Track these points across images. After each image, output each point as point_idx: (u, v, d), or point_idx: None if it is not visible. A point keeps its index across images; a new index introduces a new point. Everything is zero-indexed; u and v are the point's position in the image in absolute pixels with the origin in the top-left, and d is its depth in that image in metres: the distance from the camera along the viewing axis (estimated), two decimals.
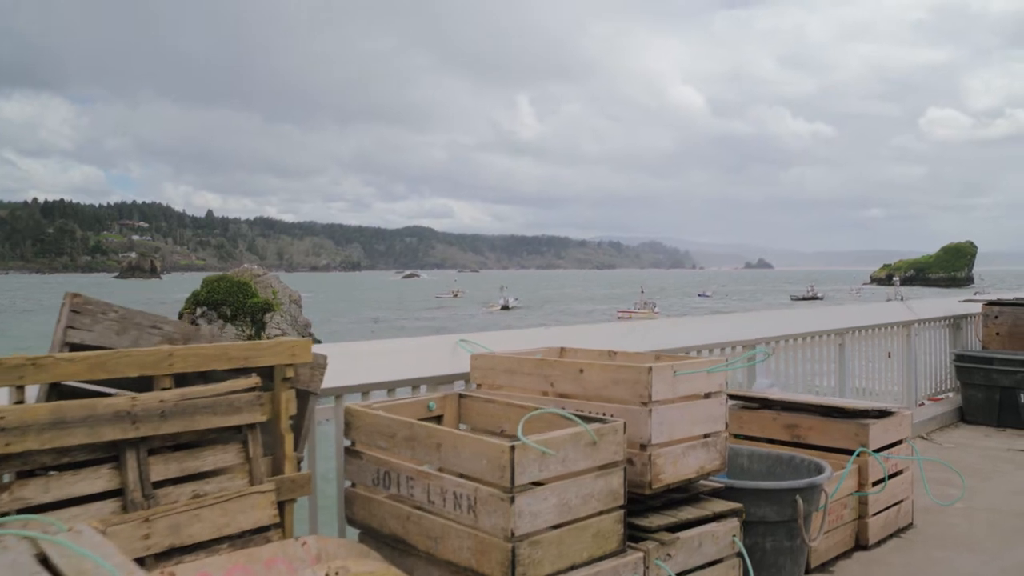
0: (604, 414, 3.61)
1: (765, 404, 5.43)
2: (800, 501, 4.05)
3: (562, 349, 4.62)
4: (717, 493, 3.85)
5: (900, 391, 8.99)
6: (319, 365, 3.75)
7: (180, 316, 49.88)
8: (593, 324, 5.72)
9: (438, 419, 3.94)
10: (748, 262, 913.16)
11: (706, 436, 3.80)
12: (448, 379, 4.44)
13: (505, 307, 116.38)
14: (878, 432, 5.12)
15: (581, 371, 3.79)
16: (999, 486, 6.55)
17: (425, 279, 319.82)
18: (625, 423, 3.29)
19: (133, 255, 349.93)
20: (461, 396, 4.02)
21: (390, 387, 4.28)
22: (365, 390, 4.17)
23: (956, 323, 10.16)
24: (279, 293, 51.23)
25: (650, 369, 3.54)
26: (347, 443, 3.75)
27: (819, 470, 4.39)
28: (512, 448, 2.85)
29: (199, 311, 48.97)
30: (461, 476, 3.12)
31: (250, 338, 48.13)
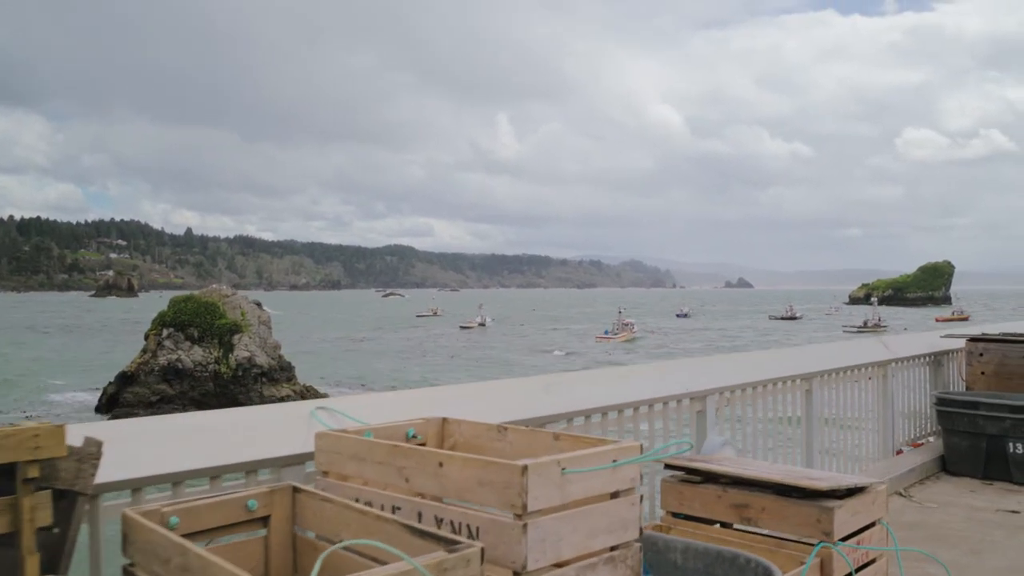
0: (467, 525, 2.65)
1: (710, 478, 4.47)
2: None
3: (444, 420, 3.63)
4: None
5: (875, 438, 8.06)
6: (88, 456, 2.73)
7: (146, 338, 48.72)
8: (501, 381, 4.68)
9: (264, 521, 2.96)
10: (728, 281, 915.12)
11: (612, 549, 2.84)
12: (296, 460, 3.47)
13: (482, 325, 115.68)
14: (845, 517, 4.15)
15: (440, 464, 2.82)
16: (990, 563, 5.59)
17: (406, 298, 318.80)
18: (485, 547, 2.32)
19: (110, 273, 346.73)
20: (296, 490, 3.03)
21: (212, 474, 3.29)
22: (168, 482, 3.16)
23: (937, 360, 9.23)
24: (248, 314, 50.11)
25: (524, 469, 2.56)
26: (125, 563, 2.74)
27: (767, 574, 3.43)
28: None
29: (165, 332, 47.85)
30: None
31: (218, 360, 47.23)
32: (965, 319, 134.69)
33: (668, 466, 4.67)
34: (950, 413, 8.06)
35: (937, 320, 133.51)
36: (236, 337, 48.09)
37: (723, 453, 5.03)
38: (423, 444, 3.51)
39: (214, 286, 54.36)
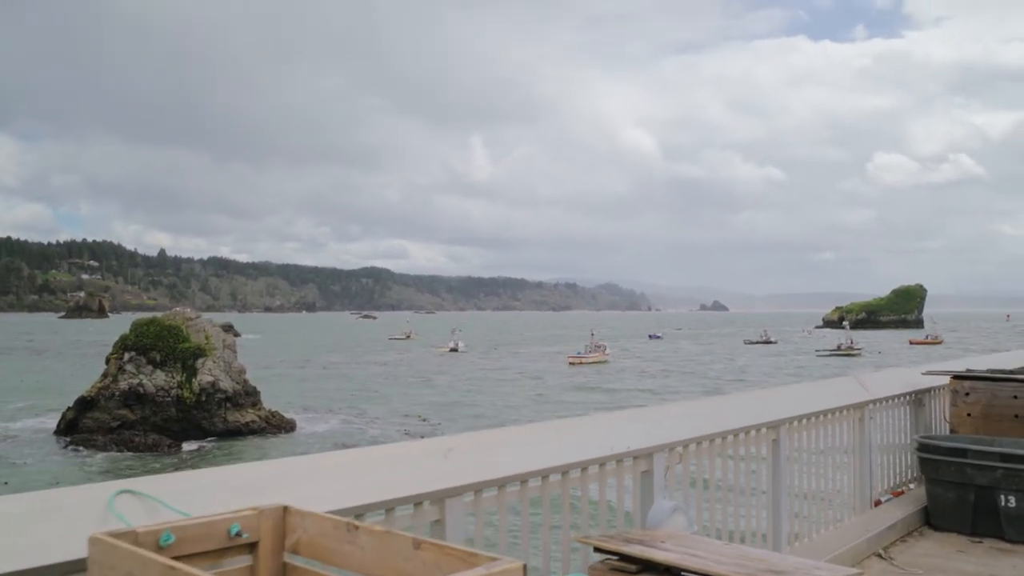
0: None
1: (649, 567, 3.59)
2: None
3: (286, 510, 2.72)
4: None
5: (851, 487, 7.21)
6: None
7: (107, 361, 47.46)
8: (390, 446, 3.74)
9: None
10: (704, 304, 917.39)
11: None
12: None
13: (454, 349, 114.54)
14: None
15: None
16: None
17: (381, 320, 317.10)
18: None
19: (81, 294, 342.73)
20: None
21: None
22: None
23: (918, 400, 8.37)
24: (212, 337, 49.02)
25: None
26: None
27: None
28: None
29: (127, 356, 46.65)
30: None
31: (181, 384, 46.03)
32: (939, 343, 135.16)
33: (599, 549, 3.79)
34: (934, 461, 7.21)
35: (911, 343, 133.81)
36: (200, 361, 47.01)
37: (672, 523, 4.17)
38: (253, 544, 2.61)
39: (178, 309, 53.27)
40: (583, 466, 4.29)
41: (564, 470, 4.17)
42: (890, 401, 7.84)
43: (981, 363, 9.09)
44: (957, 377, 8.02)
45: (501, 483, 3.80)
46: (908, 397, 8.18)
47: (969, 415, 7.81)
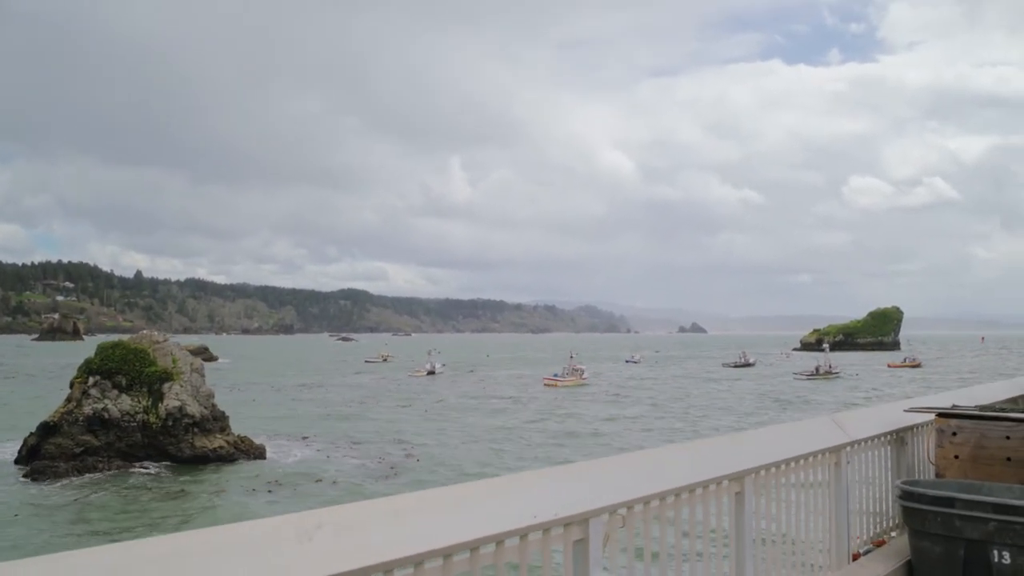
0: None
1: None
2: None
3: None
4: None
5: (827, 540, 6.44)
6: None
7: (71, 385, 46.31)
8: (235, 525, 2.88)
9: None
10: (682, 326, 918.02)
11: None
12: None
13: (431, 372, 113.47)
14: None
15: None
16: None
17: (360, 342, 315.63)
18: None
19: (55, 316, 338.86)
20: None
21: None
22: None
23: (900, 439, 7.57)
24: (180, 361, 47.99)
25: None
26: None
27: None
28: None
29: (91, 380, 45.53)
30: None
31: (146, 409, 44.95)
32: (917, 365, 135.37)
33: None
34: (919, 511, 6.41)
35: (889, 366, 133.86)
36: (166, 385, 45.97)
37: None
38: None
39: (144, 332, 52.19)
40: (500, 539, 3.50)
41: (474, 546, 3.39)
42: (869, 442, 7.07)
43: (967, 397, 8.33)
44: (943, 415, 7.25)
45: (373, 572, 2.98)
46: (889, 437, 7.40)
47: (957, 457, 7.05)
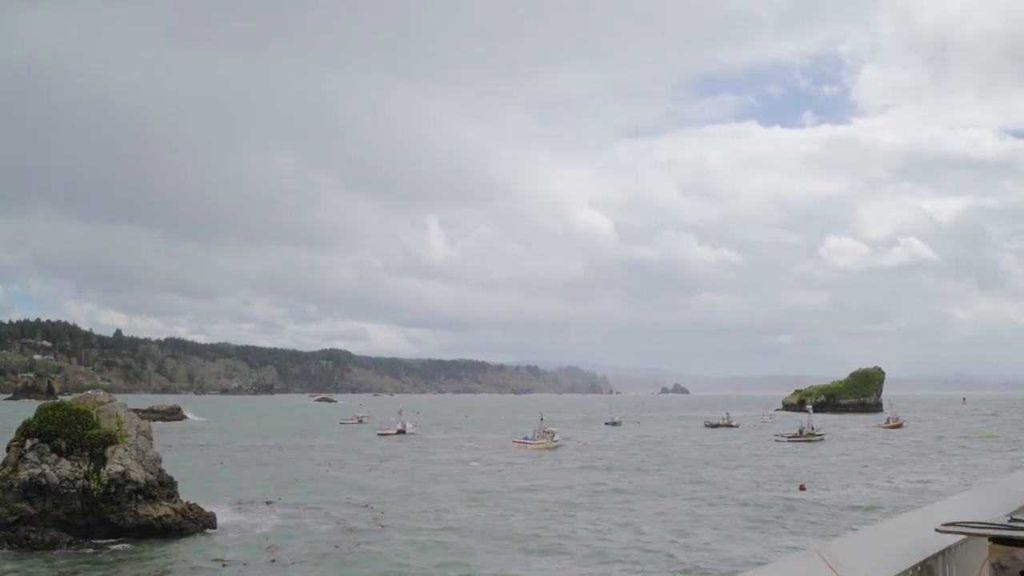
0: None
1: None
2: None
3: None
4: None
5: None
6: None
7: (8, 448, 43.74)
8: None
9: None
10: (665, 387, 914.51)
11: None
12: None
13: (402, 431, 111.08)
14: None
15: None
16: None
17: (340, 403, 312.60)
18: None
19: (30, 375, 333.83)
20: None
21: None
22: None
23: (928, 569, 4.90)
24: (125, 423, 45.47)
25: None
26: None
27: None
28: None
29: (29, 443, 42.96)
30: None
31: (87, 475, 42.34)
32: (900, 425, 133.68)
33: None
34: None
35: (875, 427, 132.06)
36: (109, 449, 43.45)
37: None
38: None
39: (89, 392, 49.72)
40: None
41: None
42: None
43: (1004, 494, 5.91)
44: (1000, 540, 4.69)
45: None
46: (915, 570, 4.74)
47: None
